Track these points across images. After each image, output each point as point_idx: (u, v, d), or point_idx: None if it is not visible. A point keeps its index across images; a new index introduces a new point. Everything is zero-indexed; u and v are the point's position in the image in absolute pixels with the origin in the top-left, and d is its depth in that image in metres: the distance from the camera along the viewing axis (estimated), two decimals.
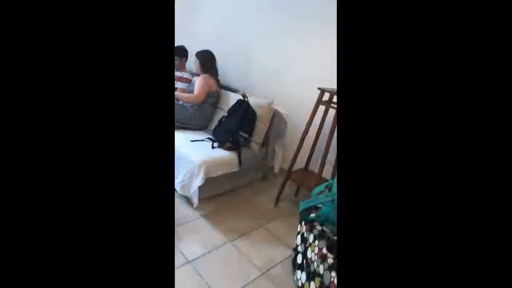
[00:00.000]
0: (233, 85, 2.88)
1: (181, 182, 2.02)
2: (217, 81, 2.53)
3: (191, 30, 3.28)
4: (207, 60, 2.51)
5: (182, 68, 2.87)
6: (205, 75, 2.46)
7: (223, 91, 2.60)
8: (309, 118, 2.07)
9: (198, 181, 1.91)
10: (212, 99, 2.47)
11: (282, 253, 1.81)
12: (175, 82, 2.80)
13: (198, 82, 2.41)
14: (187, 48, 2.85)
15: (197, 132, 2.37)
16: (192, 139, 2.17)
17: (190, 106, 2.39)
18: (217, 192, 2.21)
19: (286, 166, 2.71)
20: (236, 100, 2.31)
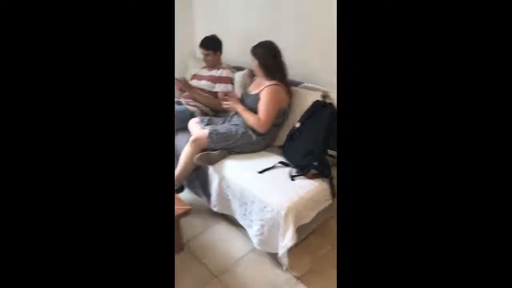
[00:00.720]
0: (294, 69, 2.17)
1: (258, 235, 1.44)
2: (288, 86, 1.75)
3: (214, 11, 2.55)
4: (271, 57, 1.70)
5: (217, 64, 2.20)
6: (273, 86, 1.68)
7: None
8: None
9: (287, 239, 1.31)
10: (279, 119, 1.77)
11: None
12: (211, 84, 2.15)
13: (265, 100, 1.66)
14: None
15: (257, 154, 1.74)
16: (260, 170, 1.55)
17: (243, 127, 1.74)
18: (305, 234, 1.61)
19: None
20: (311, 103, 1.63)
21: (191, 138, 1.69)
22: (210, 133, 1.67)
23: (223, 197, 1.64)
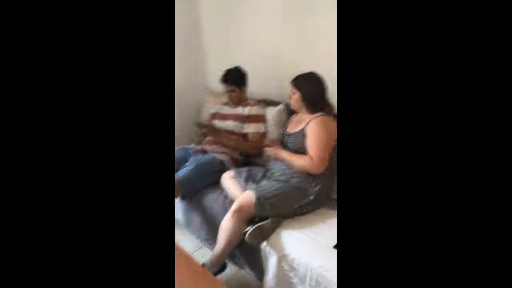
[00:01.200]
0: None
1: None
2: (336, 121, 1.45)
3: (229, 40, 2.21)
4: (316, 91, 1.43)
5: (243, 100, 1.84)
6: (320, 117, 1.41)
7: None
8: None
9: None
10: (334, 159, 1.42)
11: None
12: (238, 124, 1.80)
13: (314, 133, 1.36)
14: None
15: (318, 213, 1.38)
16: (334, 243, 1.19)
17: (294, 178, 1.39)
18: None
19: None
20: None
21: (233, 208, 1.32)
22: (258, 199, 1.30)
23: (284, 280, 1.26)
